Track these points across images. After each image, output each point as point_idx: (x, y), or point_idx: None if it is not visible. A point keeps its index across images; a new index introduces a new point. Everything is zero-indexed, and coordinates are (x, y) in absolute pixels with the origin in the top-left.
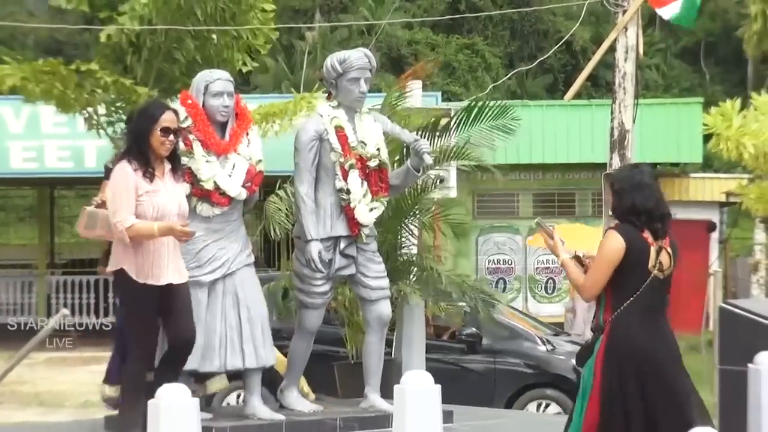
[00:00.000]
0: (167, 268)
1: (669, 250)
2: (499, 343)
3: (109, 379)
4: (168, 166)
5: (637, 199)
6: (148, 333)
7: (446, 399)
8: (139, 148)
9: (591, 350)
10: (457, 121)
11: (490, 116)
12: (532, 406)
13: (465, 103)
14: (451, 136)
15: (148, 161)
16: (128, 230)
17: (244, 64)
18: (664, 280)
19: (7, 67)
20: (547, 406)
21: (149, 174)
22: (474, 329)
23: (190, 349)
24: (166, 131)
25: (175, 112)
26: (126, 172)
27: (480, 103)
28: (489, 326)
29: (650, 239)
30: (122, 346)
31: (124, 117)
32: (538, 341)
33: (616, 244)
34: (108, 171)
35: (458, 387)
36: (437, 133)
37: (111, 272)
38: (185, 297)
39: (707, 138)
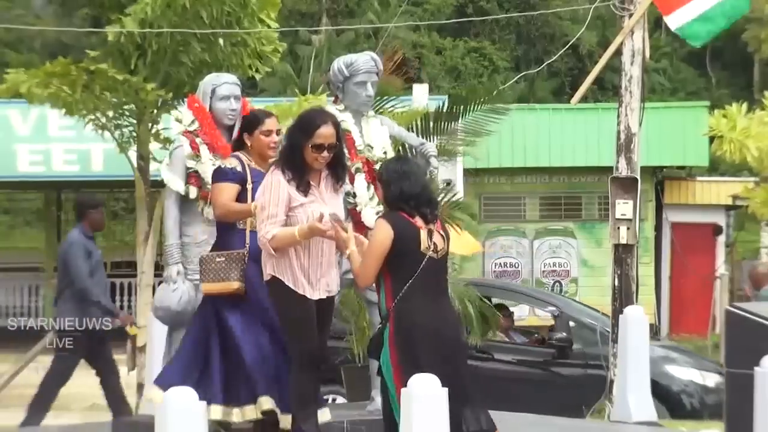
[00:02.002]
0: (321, 282)
1: (442, 232)
2: (591, 348)
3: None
4: (325, 173)
5: (404, 187)
6: (310, 341)
7: (535, 406)
8: (292, 159)
9: (381, 340)
10: (449, 110)
11: (481, 103)
12: None
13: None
14: (448, 125)
15: (302, 174)
16: (271, 242)
17: (257, 71)
18: (439, 260)
19: (21, 73)
20: None
21: (304, 186)
22: (564, 334)
23: (322, 363)
24: (319, 147)
25: (336, 124)
26: (279, 183)
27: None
28: (580, 331)
29: (420, 223)
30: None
31: (132, 120)
32: None
33: (384, 232)
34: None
35: (547, 394)
36: (431, 123)
37: (265, 282)
38: (332, 309)
39: (713, 141)
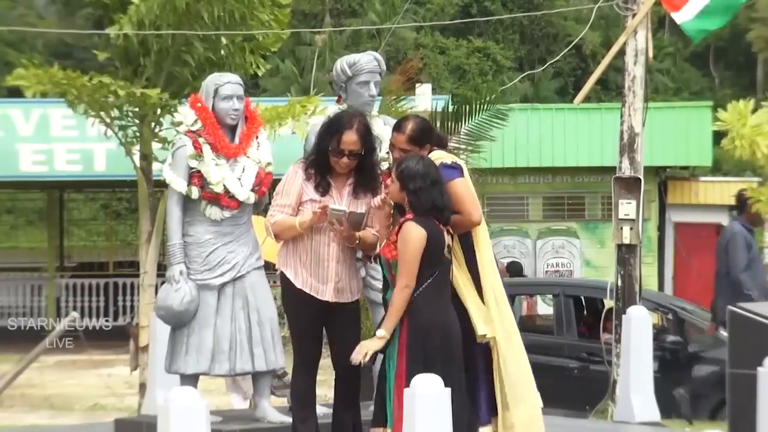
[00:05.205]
0: (328, 285)
1: (450, 231)
2: (705, 351)
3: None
4: (351, 179)
5: (436, 198)
6: (309, 342)
7: None
8: (316, 158)
9: (392, 336)
10: (454, 110)
11: (484, 103)
12: None
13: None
14: (454, 125)
15: (323, 173)
16: (273, 226)
17: (258, 67)
18: (450, 261)
19: (31, 74)
20: None
21: (324, 185)
22: (678, 337)
23: (357, 371)
24: (339, 152)
25: (362, 133)
26: (296, 175)
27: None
28: (694, 334)
29: (441, 226)
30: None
31: (137, 121)
32: None
33: (419, 234)
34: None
35: (658, 396)
36: (437, 123)
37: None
38: (351, 317)
39: (717, 141)
